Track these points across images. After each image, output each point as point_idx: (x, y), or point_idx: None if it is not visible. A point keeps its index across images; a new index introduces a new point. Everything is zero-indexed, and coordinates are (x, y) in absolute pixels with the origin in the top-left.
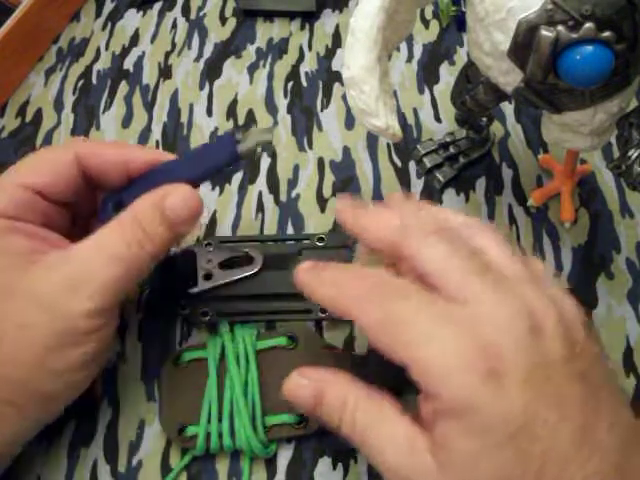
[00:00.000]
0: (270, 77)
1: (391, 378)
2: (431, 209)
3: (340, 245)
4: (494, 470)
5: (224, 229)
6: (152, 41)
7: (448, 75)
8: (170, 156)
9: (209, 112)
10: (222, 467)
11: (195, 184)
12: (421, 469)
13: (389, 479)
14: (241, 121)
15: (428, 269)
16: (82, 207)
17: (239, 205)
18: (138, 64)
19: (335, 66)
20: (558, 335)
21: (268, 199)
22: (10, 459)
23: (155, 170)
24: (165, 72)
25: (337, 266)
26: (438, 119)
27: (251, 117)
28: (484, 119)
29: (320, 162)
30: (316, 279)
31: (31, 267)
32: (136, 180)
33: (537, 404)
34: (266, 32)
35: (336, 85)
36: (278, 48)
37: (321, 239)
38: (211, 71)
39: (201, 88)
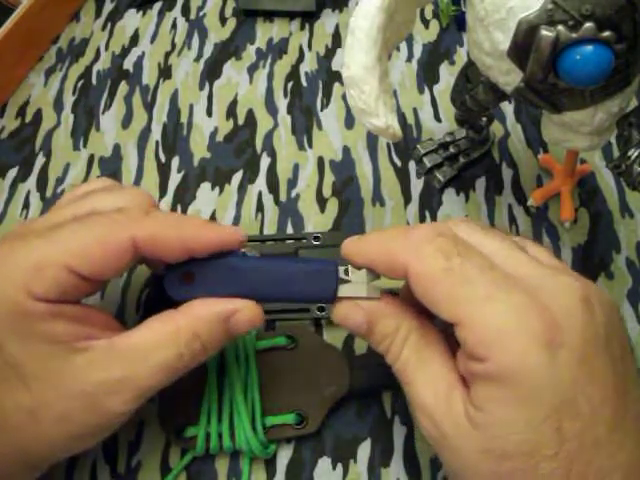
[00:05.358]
0: (270, 77)
1: (388, 378)
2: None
3: (336, 244)
4: (527, 445)
5: None
6: (152, 41)
7: (448, 75)
8: (234, 234)
9: (209, 112)
10: (222, 467)
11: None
12: (454, 421)
13: (420, 418)
14: (241, 121)
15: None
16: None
17: (239, 205)
18: (138, 64)
19: (335, 66)
20: (603, 313)
21: (268, 199)
22: None
23: (236, 258)
24: (165, 72)
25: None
26: (438, 119)
27: (251, 117)
28: (484, 119)
29: (320, 162)
30: (363, 239)
31: (73, 357)
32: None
33: (585, 380)
34: (266, 32)
35: (336, 85)
36: (278, 48)
37: (317, 238)
38: (211, 71)
39: (201, 88)
